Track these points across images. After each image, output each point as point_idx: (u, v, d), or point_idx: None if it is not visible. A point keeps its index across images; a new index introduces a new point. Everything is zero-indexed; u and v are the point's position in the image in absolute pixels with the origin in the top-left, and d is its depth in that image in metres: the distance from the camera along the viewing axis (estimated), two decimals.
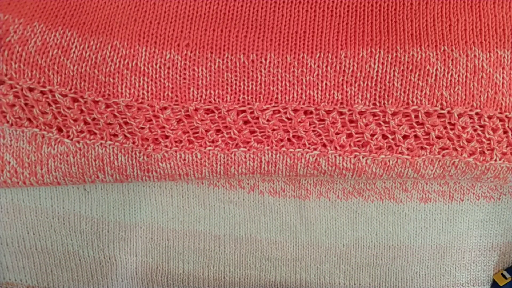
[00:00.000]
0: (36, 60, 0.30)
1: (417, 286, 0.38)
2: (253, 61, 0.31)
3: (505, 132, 0.31)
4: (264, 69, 0.31)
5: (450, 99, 0.30)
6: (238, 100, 0.31)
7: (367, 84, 0.31)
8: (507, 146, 0.31)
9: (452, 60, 0.30)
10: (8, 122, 0.31)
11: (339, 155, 0.31)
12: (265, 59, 0.31)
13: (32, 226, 0.37)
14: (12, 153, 0.32)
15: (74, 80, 0.30)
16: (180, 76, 0.30)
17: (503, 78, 0.30)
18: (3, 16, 0.31)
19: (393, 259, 0.37)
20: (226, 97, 0.31)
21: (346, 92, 0.31)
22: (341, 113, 0.31)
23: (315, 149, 0.31)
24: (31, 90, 0.31)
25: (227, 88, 0.31)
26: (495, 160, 0.31)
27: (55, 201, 0.36)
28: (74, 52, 0.30)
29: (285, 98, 0.31)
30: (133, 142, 0.31)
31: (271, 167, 0.32)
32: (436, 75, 0.30)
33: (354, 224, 0.37)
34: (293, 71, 0.31)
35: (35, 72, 0.30)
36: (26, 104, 0.31)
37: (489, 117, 0.30)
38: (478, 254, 0.38)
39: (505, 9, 0.31)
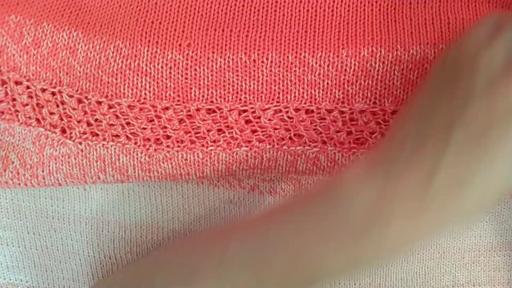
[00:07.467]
0: (49, 62, 0.30)
1: (417, 286, 0.38)
2: (254, 61, 0.31)
3: None
4: (266, 68, 0.31)
5: None
6: (240, 99, 0.31)
7: (368, 83, 0.31)
8: None
9: None
10: (19, 120, 0.31)
11: (338, 151, 0.32)
12: (267, 59, 0.31)
13: (32, 226, 0.37)
14: (17, 154, 0.32)
15: (81, 81, 0.30)
16: (182, 76, 0.31)
17: None
18: (15, 17, 0.31)
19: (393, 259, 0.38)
20: (228, 96, 0.31)
21: (348, 91, 0.31)
22: (342, 112, 0.31)
23: (315, 146, 0.32)
24: (43, 91, 0.31)
25: (228, 88, 0.31)
26: None
27: (55, 201, 0.36)
28: (80, 53, 0.30)
29: (286, 97, 0.31)
30: (135, 143, 0.31)
31: (272, 163, 0.32)
32: None
33: None
34: (295, 71, 0.31)
35: (49, 74, 0.31)
36: (37, 104, 0.31)
37: None
38: (478, 254, 0.38)
39: (500, 5, 0.32)
